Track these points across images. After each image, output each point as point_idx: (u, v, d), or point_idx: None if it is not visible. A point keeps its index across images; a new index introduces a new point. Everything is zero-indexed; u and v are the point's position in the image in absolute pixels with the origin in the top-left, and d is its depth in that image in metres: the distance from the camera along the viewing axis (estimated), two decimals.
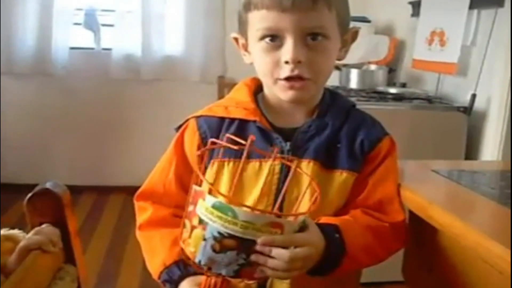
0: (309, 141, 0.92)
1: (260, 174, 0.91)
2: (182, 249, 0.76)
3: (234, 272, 0.72)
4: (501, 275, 0.73)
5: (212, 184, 0.75)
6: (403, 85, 2.71)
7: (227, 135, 0.83)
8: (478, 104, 2.16)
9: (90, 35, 3.37)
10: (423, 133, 2.19)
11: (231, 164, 0.91)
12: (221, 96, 3.26)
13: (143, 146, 3.40)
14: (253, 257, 0.71)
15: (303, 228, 0.77)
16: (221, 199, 0.71)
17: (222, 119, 0.95)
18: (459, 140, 2.20)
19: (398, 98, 2.36)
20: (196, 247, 0.72)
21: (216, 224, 0.69)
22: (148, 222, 0.96)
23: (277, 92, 0.92)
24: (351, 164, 0.93)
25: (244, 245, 0.70)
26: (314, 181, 0.81)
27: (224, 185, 0.90)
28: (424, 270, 1.03)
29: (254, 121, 0.93)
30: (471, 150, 2.20)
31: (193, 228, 0.73)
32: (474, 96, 2.16)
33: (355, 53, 2.69)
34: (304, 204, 0.82)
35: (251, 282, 0.79)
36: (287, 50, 0.85)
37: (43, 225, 0.94)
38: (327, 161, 0.92)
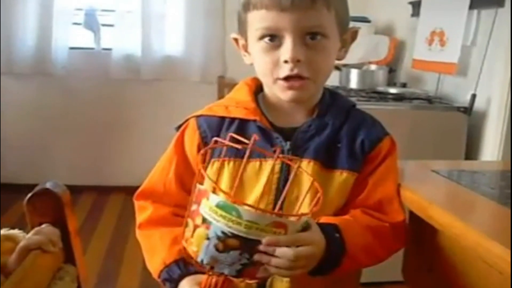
0: (309, 140, 0.92)
1: (260, 173, 0.91)
2: (184, 248, 0.76)
3: (237, 271, 0.71)
4: (501, 275, 0.73)
5: (216, 183, 0.75)
6: (403, 85, 2.71)
7: (230, 134, 0.83)
8: (478, 104, 2.16)
9: (90, 35, 3.37)
10: (423, 133, 2.19)
11: (231, 163, 0.91)
12: (221, 96, 3.26)
13: (143, 146, 3.40)
14: (256, 257, 0.71)
15: (306, 228, 0.77)
16: (224, 198, 0.71)
17: (222, 118, 0.95)
18: (459, 140, 2.20)
19: (398, 98, 2.36)
20: (198, 246, 0.72)
21: (220, 224, 0.69)
22: (148, 221, 0.96)
23: (277, 92, 0.92)
24: (351, 164, 0.93)
25: (248, 245, 0.70)
26: (316, 182, 0.81)
27: (224, 185, 0.90)
28: (424, 270, 1.03)
29: (254, 121, 0.93)
30: (471, 150, 2.20)
31: (196, 227, 0.73)
32: (474, 96, 2.16)
33: (355, 53, 2.69)
34: (304, 204, 0.82)
35: (251, 282, 0.79)
36: (286, 49, 0.85)
37: (43, 225, 0.94)
38: (327, 161, 0.92)
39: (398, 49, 2.89)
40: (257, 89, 0.99)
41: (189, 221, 0.75)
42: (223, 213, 0.69)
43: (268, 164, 0.90)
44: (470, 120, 2.19)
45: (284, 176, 0.90)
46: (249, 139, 0.83)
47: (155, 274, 0.91)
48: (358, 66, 2.76)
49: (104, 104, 3.49)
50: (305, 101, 0.94)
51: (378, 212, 0.93)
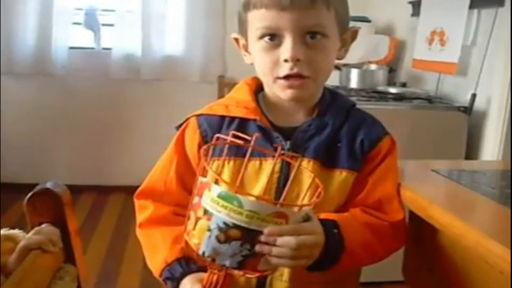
0: (309, 140, 0.92)
1: (260, 173, 0.91)
2: (185, 242, 0.76)
3: (238, 263, 0.71)
4: (501, 275, 0.73)
5: (219, 175, 0.75)
6: (403, 85, 2.71)
7: (232, 131, 0.83)
8: (478, 104, 2.16)
9: (90, 34, 3.37)
10: (423, 133, 2.19)
11: (231, 162, 0.91)
12: (221, 96, 3.26)
13: (143, 146, 3.40)
14: (257, 248, 0.71)
15: (306, 220, 0.77)
16: (226, 188, 0.71)
17: (222, 117, 0.95)
18: (459, 140, 2.20)
19: (398, 98, 2.36)
20: (200, 239, 0.72)
21: (221, 214, 0.70)
22: (148, 220, 0.96)
23: (277, 91, 0.92)
24: (351, 163, 0.93)
25: (249, 236, 0.70)
26: (317, 178, 0.81)
27: (224, 184, 0.90)
28: (424, 270, 1.03)
29: (254, 120, 0.93)
30: (471, 150, 2.20)
31: (197, 219, 0.73)
32: (474, 95, 2.16)
33: (355, 53, 2.69)
34: (305, 202, 0.82)
35: (252, 276, 0.79)
36: (286, 48, 0.86)
37: (43, 225, 0.94)
38: (327, 160, 0.92)
39: (398, 48, 2.89)
40: (257, 88, 1.00)
41: (191, 214, 0.75)
42: (225, 203, 0.69)
43: (268, 164, 0.90)
44: (470, 119, 2.19)
45: (284, 175, 0.90)
46: (249, 137, 0.83)
47: (156, 273, 0.90)
48: (358, 65, 2.76)
49: (104, 104, 3.49)
50: (305, 100, 0.94)
51: (378, 211, 0.93)
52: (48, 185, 0.96)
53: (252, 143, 0.80)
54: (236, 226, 0.69)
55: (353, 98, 2.24)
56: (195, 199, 0.75)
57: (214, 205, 0.71)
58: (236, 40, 0.98)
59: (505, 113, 2.04)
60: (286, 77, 0.88)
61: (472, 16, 2.24)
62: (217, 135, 0.84)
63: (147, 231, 0.96)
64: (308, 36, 0.86)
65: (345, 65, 2.70)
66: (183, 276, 0.86)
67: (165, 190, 0.97)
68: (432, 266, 1.00)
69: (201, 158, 0.77)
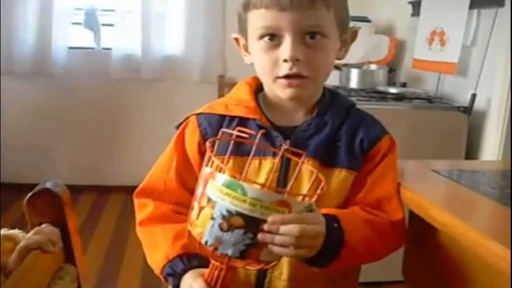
0: (308, 139, 0.93)
1: (260, 172, 0.91)
2: (189, 233, 0.76)
3: (240, 253, 0.71)
4: (502, 275, 0.73)
5: (223, 163, 0.75)
6: (404, 85, 2.71)
7: (238, 127, 0.84)
8: (478, 104, 2.16)
9: (90, 34, 3.37)
10: (423, 133, 2.19)
11: (231, 161, 0.91)
12: (221, 95, 3.26)
13: (143, 146, 3.40)
14: (260, 236, 0.71)
15: (309, 212, 0.77)
16: (230, 177, 0.72)
17: (222, 116, 0.95)
18: (459, 140, 2.20)
19: (398, 98, 2.36)
20: (203, 228, 0.72)
21: (224, 202, 0.70)
22: (149, 218, 0.96)
23: (276, 91, 0.92)
24: (351, 162, 0.93)
25: (252, 224, 0.70)
26: (316, 179, 0.81)
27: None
28: (424, 270, 1.03)
29: (254, 119, 0.93)
30: (471, 150, 2.20)
31: (201, 209, 0.73)
32: (474, 96, 2.16)
33: (355, 53, 2.69)
34: (306, 199, 0.82)
35: (254, 268, 0.78)
36: (286, 48, 0.86)
37: (43, 225, 0.94)
38: (326, 159, 0.92)
39: (398, 48, 2.89)
40: (257, 88, 1.00)
41: (195, 204, 0.75)
42: (229, 191, 0.70)
43: (267, 163, 0.91)
44: (470, 119, 2.19)
45: (284, 174, 0.90)
46: (248, 136, 0.84)
47: (157, 270, 0.90)
48: (358, 65, 2.76)
49: (104, 104, 3.49)
50: (304, 99, 0.95)
51: (377, 210, 0.93)
52: (48, 185, 0.96)
53: (257, 140, 0.81)
54: (239, 214, 0.69)
55: (353, 98, 2.24)
56: (199, 190, 0.75)
57: (218, 193, 0.71)
58: (236, 40, 0.98)
59: (505, 113, 2.04)
60: (286, 77, 0.88)
61: (472, 16, 2.24)
62: (223, 129, 0.85)
63: (147, 229, 0.96)
64: (308, 36, 0.87)
65: (345, 65, 2.70)
66: (184, 272, 0.85)
67: (165, 188, 0.97)
68: (432, 266, 1.00)
69: (207, 150, 0.77)
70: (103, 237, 2.81)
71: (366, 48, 2.79)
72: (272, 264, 0.77)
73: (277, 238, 0.71)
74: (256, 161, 0.91)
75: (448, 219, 0.84)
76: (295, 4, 0.84)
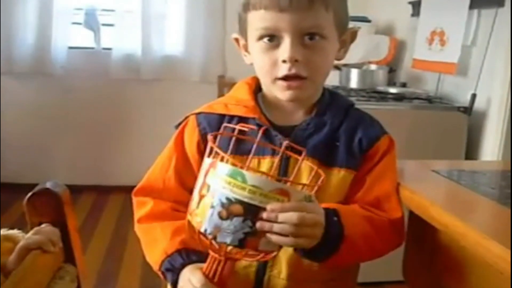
0: (308, 138, 0.93)
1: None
2: (188, 222, 0.76)
3: (239, 241, 0.72)
4: (501, 275, 0.73)
5: (225, 153, 0.75)
6: (403, 85, 2.71)
7: (240, 124, 0.84)
8: (478, 104, 2.16)
9: (90, 34, 3.37)
10: (423, 133, 2.19)
11: (230, 160, 0.90)
12: (221, 95, 3.22)
13: (143, 146, 3.39)
14: (258, 225, 0.71)
15: (308, 202, 0.77)
16: (231, 165, 0.72)
17: (222, 116, 0.95)
18: (459, 140, 2.20)
19: (398, 98, 2.36)
20: (203, 216, 0.73)
21: (224, 190, 0.70)
22: (148, 215, 0.96)
23: (276, 92, 0.92)
24: (349, 162, 0.93)
25: (251, 212, 0.70)
26: (315, 178, 0.81)
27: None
28: (424, 270, 1.03)
29: (253, 119, 0.93)
30: (471, 150, 2.20)
31: (201, 198, 0.74)
32: (474, 96, 2.16)
33: (355, 53, 2.69)
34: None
35: (252, 260, 0.79)
36: (285, 49, 0.86)
37: (43, 225, 0.94)
38: (325, 158, 0.92)
39: (398, 49, 2.89)
40: (257, 88, 1.00)
41: (195, 193, 0.76)
42: (229, 179, 0.70)
43: (266, 162, 0.91)
44: (470, 120, 2.19)
45: (283, 173, 0.90)
46: (248, 136, 0.85)
47: (156, 266, 0.90)
48: (358, 66, 2.76)
49: (104, 104, 3.49)
50: (303, 100, 0.95)
51: (376, 209, 0.93)
52: (48, 185, 0.96)
53: (258, 137, 0.81)
54: (238, 202, 0.70)
55: (353, 98, 2.24)
56: (200, 180, 0.75)
57: (218, 181, 0.71)
58: (236, 40, 0.99)
59: (505, 113, 2.04)
60: (285, 78, 0.89)
61: (472, 16, 2.24)
62: (225, 124, 0.85)
63: (146, 226, 0.96)
64: (307, 37, 0.87)
65: (345, 65, 2.70)
66: (183, 267, 0.85)
67: (163, 187, 0.97)
68: (432, 266, 1.00)
69: (209, 142, 0.77)
70: (103, 237, 2.81)
71: (366, 48, 2.79)
72: (271, 255, 0.77)
73: (276, 226, 0.72)
74: (255, 160, 0.91)
75: (448, 219, 0.84)
76: (294, 5, 0.84)
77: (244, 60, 0.98)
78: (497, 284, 0.80)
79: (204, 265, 0.80)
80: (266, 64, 0.89)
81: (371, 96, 2.39)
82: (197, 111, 0.99)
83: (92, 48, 3.40)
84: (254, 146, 0.83)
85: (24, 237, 0.92)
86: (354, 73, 2.69)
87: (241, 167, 0.72)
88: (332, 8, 0.88)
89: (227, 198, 0.70)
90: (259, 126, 0.92)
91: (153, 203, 0.96)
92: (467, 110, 2.18)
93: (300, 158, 0.80)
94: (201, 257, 0.82)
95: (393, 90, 2.51)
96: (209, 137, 0.79)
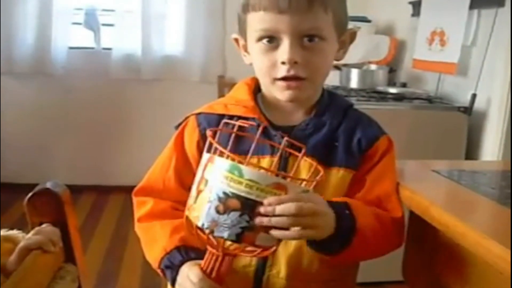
0: (307, 138, 0.93)
1: None
2: (186, 218, 0.77)
3: (236, 236, 0.72)
4: (501, 275, 0.73)
5: (224, 148, 0.76)
6: (404, 85, 2.71)
7: (240, 120, 0.85)
8: (479, 104, 2.16)
9: (90, 34, 3.37)
10: (423, 133, 2.19)
11: (229, 155, 0.90)
12: (221, 96, 3.26)
13: (143, 146, 3.39)
14: (257, 220, 0.71)
15: None
16: (229, 160, 0.72)
17: (221, 116, 0.96)
18: (460, 140, 2.20)
19: (398, 98, 2.36)
20: (200, 211, 0.73)
21: (222, 184, 0.71)
22: (148, 214, 0.96)
23: (275, 92, 0.93)
24: (348, 161, 0.94)
25: (248, 206, 0.70)
26: (313, 177, 0.81)
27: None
28: (424, 270, 1.03)
29: (253, 119, 0.93)
30: (472, 150, 2.20)
31: (199, 192, 0.74)
32: (474, 96, 2.16)
33: (355, 53, 2.69)
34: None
35: (250, 255, 0.79)
36: (284, 51, 0.87)
37: (43, 225, 0.94)
38: (324, 158, 0.92)
39: (399, 49, 2.89)
40: (256, 88, 1.00)
41: (193, 189, 0.76)
42: (226, 173, 0.71)
43: (265, 162, 0.91)
44: (471, 120, 2.19)
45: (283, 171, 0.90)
46: (248, 137, 0.85)
47: (155, 264, 0.90)
48: (358, 66, 2.76)
49: (104, 104, 3.49)
50: (302, 101, 0.95)
51: (377, 208, 0.93)
52: (48, 185, 0.96)
53: (258, 134, 0.82)
54: (235, 196, 0.70)
55: (353, 98, 2.25)
56: (198, 175, 0.76)
57: (215, 175, 0.72)
58: (236, 40, 0.99)
59: (505, 113, 2.04)
60: (284, 79, 0.89)
61: (472, 16, 2.24)
62: (225, 120, 0.85)
63: (146, 224, 0.96)
64: (306, 39, 0.87)
65: (345, 65, 2.70)
66: (182, 263, 0.85)
67: (163, 187, 0.98)
68: (432, 266, 1.00)
69: (208, 137, 0.77)
70: (103, 237, 2.81)
71: (366, 48, 2.79)
72: (269, 251, 0.77)
73: (274, 220, 0.72)
74: (255, 160, 0.91)
75: (448, 219, 0.84)
76: (293, 7, 0.84)
77: (244, 60, 0.98)
78: (497, 284, 0.80)
79: (202, 262, 0.80)
80: (265, 65, 0.90)
81: (371, 96, 2.39)
82: (197, 111, 0.99)
83: (92, 48, 3.40)
84: (254, 143, 0.83)
85: (24, 238, 0.92)
86: (354, 73, 2.69)
87: (239, 162, 0.72)
88: (331, 10, 0.88)
89: (224, 193, 0.71)
90: (259, 126, 0.92)
91: (153, 202, 0.97)
92: (467, 110, 2.18)
93: (299, 155, 0.80)
94: (200, 254, 0.83)
95: (393, 90, 2.51)
96: (208, 132, 0.79)
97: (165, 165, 0.99)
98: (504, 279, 0.73)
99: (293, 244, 0.91)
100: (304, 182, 0.78)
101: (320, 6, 0.86)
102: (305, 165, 0.88)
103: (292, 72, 0.87)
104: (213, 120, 0.96)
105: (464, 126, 2.20)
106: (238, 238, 0.72)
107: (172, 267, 0.86)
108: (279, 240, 0.77)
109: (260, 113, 0.95)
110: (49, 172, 3.31)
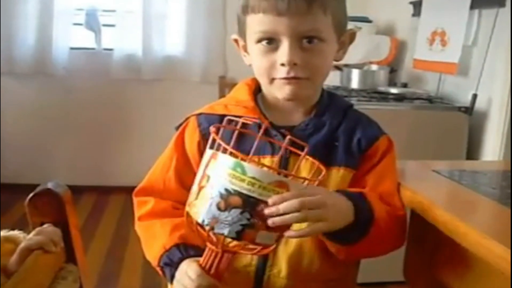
0: (307, 138, 0.93)
1: None
2: (187, 214, 0.77)
3: (236, 233, 0.72)
4: (502, 275, 0.73)
5: (227, 145, 0.76)
6: (404, 85, 2.71)
7: (244, 117, 0.85)
8: (479, 104, 2.16)
9: (91, 35, 3.37)
10: (424, 133, 2.19)
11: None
12: (222, 96, 3.26)
13: (143, 146, 3.39)
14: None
15: None
16: (232, 157, 0.72)
17: (222, 117, 0.96)
18: (460, 140, 2.20)
19: (399, 98, 2.36)
20: (201, 207, 0.73)
21: (224, 181, 0.71)
22: (149, 213, 0.97)
23: (274, 91, 0.93)
24: (348, 161, 0.94)
25: (249, 204, 0.71)
26: (314, 177, 0.81)
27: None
28: (425, 270, 1.03)
29: (254, 119, 0.93)
30: (472, 150, 2.20)
31: (200, 189, 0.74)
32: (475, 96, 2.16)
33: (356, 54, 2.69)
34: None
35: (249, 253, 0.79)
36: (283, 52, 0.87)
37: (44, 225, 0.94)
38: (325, 158, 0.92)
39: (399, 49, 2.89)
40: (256, 89, 1.00)
41: (195, 185, 0.76)
42: (229, 170, 0.71)
43: (266, 161, 0.91)
44: (471, 120, 2.19)
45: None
46: (248, 137, 0.85)
47: (154, 262, 0.90)
48: (359, 66, 2.76)
49: (105, 104, 3.49)
50: (301, 99, 0.95)
51: None
52: (49, 185, 0.96)
53: (260, 132, 0.82)
54: (237, 193, 0.70)
55: (354, 99, 2.25)
56: (200, 172, 0.76)
57: (218, 172, 0.72)
58: (236, 41, 0.99)
59: (506, 113, 2.04)
60: (283, 78, 0.89)
61: (473, 16, 2.24)
62: (228, 117, 0.85)
63: (146, 223, 0.96)
64: (305, 41, 0.87)
65: (346, 65, 2.69)
66: (181, 261, 0.85)
67: (164, 188, 0.98)
68: (432, 266, 1.00)
69: (211, 134, 0.77)
70: (104, 238, 2.81)
71: (367, 48, 2.79)
72: (269, 249, 0.77)
73: (278, 219, 0.72)
74: (255, 160, 0.91)
75: (449, 219, 0.84)
76: (292, 9, 0.84)
77: (244, 61, 0.98)
78: (498, 284, 0.80)
79: (201, 258, 0.80)
80: (264, 66, 0.90)
81: (372, 97, 2.39)
82: (197, 112, 0.99)
83: (93, 48, 3.40)
84: (256, 141, 0.83)
85: (25, 238, 0.92)
86: (355, 74, 2.69)
87: (242, 159, 0.72)
88: (330, 11, 0.88)
89: (226, 189, 0.71)
90: (259, 126, 0.92)
91: (154, 202, 0.97)
92: (468, 110, 2.18)
93: (302, 154, 0.80)
94: (199, 252, 0.83)
95: (394, 90, 2.50)
96: (212, 128, 0.79)
97: (166, 166, 0.99)
98: (505, 279, 0.73)
99: (293, 243, 0.92)
100: (307, 181, 0.78)
101: (319, 7, 0.86)
102: (306, 165, 0.88)
103: (291, 74, 0.88)
104: (214, 121, 0.95)
105: (464, 126, 2.20)
106: (238, 236, 0.72)
107: (171, 265, 0.87)
108: (278, 239, 0.77)
109: (260, 114, 0.96)
110: (50, 173, 3.31)
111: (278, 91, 0.92)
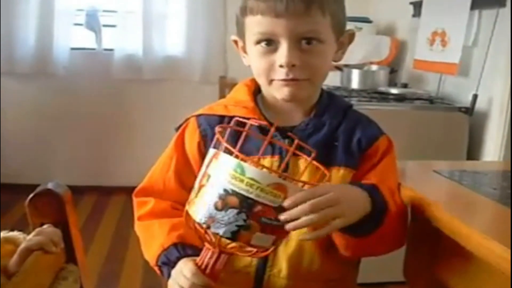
0: (307, 138, 0.93)
1: None
2: (186, 212, 0.77)
3: (232, 233, 0.72)
4: (502, 275, 0.73)
5: (230, 145, 0.76)
6: (405, 86, 2.71)
7: (252, 118, 0.85)
8: (480, 105, 2.16)
9: (92, 35, 3.37)
10: (424, 133, 2.19)
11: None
12: (222, 96, 3.26)
13: (144, 146, 3.39)
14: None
15: None
16: (234, 157, 0.72)
17: (222, 117, 0.96)
18: (461, 140, 2.20)
19: (399, 98, 2.36)
20: (199, 206, 0.73)
21: (223, 181, 0.71)
22: (148, 213, 0.97)
23: (273, 92, 0.93)
24: (348, 161, 0.94)
25: (246, 205, 0.70)
26: (313, 178, 0.81)
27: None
28: (425, 270, 1.03)
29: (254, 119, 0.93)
30: (473, 151, 2.20)
31: (200, 187, 0.74)
32: (475, 96, 2.16)
33: (356, 54, 2.69)
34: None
35: (244, 255, 0.79)
36: (282, 54, 0.87)
37: (45, 226, 0.94)
38: (324, 158, 0.92)
39: (400, 49, 2.89)
40: (256, 89, 1.01)
41: (196, 183, 0.76)
42: (229, 170, 0.71)
43: (266, 162, 0.91)
44: (472, 120, 2.19)
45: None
46: (251, 137, 0.85)
47: (152, 261, 0.90)
48: (359, 66, 2.76)
49: (105, 104, 3.50)
50: (301, 100, 0.95)
51: None
52: (50, 185, 0.97)
53: (269, 135, 0.81)
54: (235, 194, 0.70)
55: (354, 99, 2.25)
56: (202, 170, 0.76)
57: (218, 171, 0.72)
58: (235, 42, 0.99)
59: (506, 114, 2.04)
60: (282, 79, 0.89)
61: (473, 16, 2.24)
62: (236, 118, 0.84)
63: (145, 223, 0.97)
64: (304, 42, 0.87)
65: (346, 65, 2.69)
66: (178, 260, 0.85)
67: (164, 188, 0.98)
68: (433, 266, 1.00)
69: (216, 134, 0.77)
70: (104, 238, 2.81)
71: (367, 48, 2.79)
72: (266, 252, 0.77)
73: (292, 224, 0.72)
74: (255, 160, 0.91)
75: (450, 219, 0.84)
76: (291, 10, 0.84)
77: (243, 62, 0.98)
78: (498, 284, 0.80)
79: (198, 258, 0.80)
80: (263, 67, 0.90)
81: (373, 97, 2.39)
82: (197, 113, 1.00)
83: (94, 49, 3.40)
84: (265, 143, 0.83)
85: (25, 239, 0.92)
86: (355, 74, 2.69)
87: (243, 160, 0.72)
88: (329, 12, 0.88)
89: (225, 189, 0.71)
90: (259, 126, 0.92)
91: (154, 202, 0.97)
92: (469, 110, 2.18)
93: (303, 156, 0.80)
94: (197, 252, 0.83)
95: (394, 90, 2.50)
96: (217, 128, 0.79)
97: (166, 166, 0.99)
98: (505, 279, 0.73)
99: (293, 243, 0.92)
100: (307, 185, 0.77)
101: (318, 9, 0.86)
102: (307, 169, 0.88)
103: (290, 76, 0.88)
104: (214, 121, 0.96)
105: (465, 126, 2.20)
106: (233, 236, 0.72)
107: (168, 264, 0.87)
108: (276, 242, 0.76)
109: (260, 114, 0.96)
110: (50, 173, 3.32)
111: (277, 92, 0.92)
